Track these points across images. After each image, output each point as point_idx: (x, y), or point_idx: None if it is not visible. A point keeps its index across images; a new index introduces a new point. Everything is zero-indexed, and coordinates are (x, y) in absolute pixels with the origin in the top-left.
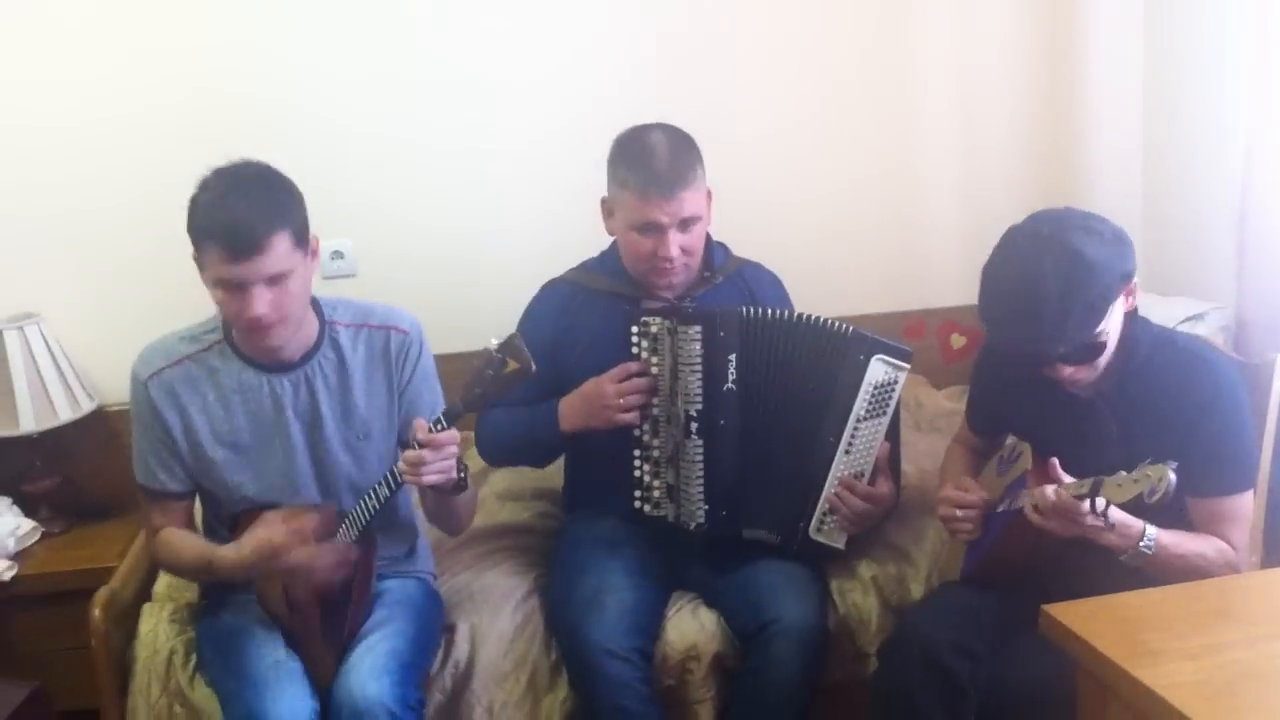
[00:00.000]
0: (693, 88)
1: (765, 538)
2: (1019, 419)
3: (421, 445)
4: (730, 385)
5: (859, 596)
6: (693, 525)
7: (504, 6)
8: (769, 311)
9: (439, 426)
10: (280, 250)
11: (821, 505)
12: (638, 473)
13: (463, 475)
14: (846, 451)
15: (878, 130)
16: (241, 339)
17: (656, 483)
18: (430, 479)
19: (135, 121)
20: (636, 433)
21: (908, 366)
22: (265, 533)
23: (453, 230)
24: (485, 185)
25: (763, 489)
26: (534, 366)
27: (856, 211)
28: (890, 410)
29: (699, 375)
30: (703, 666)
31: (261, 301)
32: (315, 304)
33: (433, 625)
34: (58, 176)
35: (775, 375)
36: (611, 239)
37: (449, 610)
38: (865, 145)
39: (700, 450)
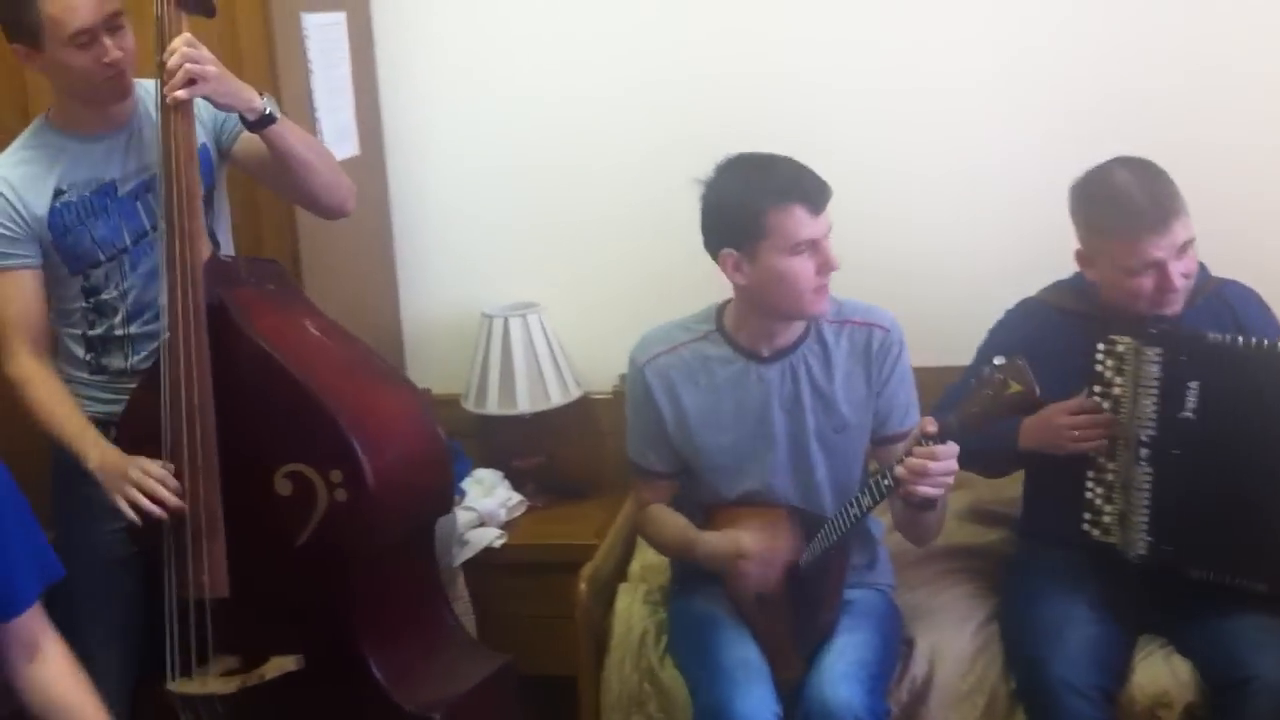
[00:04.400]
0: (1157, 92)
1: (1259, 590)
2: None
3: (930, 443)
4: (1188, 414)
5: None
6: (1132, 555)
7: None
8: (1257, 341)
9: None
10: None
11: None
12: (1089, 494)
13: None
14: None
15: None
16: (791, 309)
17: (1108, 508)
18: (927, 491)
19: (634, 122)
20: (1092, 454)
21: None
22: (741, 530)
23: (925, 238)
24: (959, 197)
25: (1228, 531)
26: (1038, 391)
27: None
28: None
29: (1154, 399)
30: (1174, 715)
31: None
32: None
33: (894, 638)
34: (565, 178)
35: (1260, 414)
36: None
37: (907, 624)
38: None
39: (1149, 478)
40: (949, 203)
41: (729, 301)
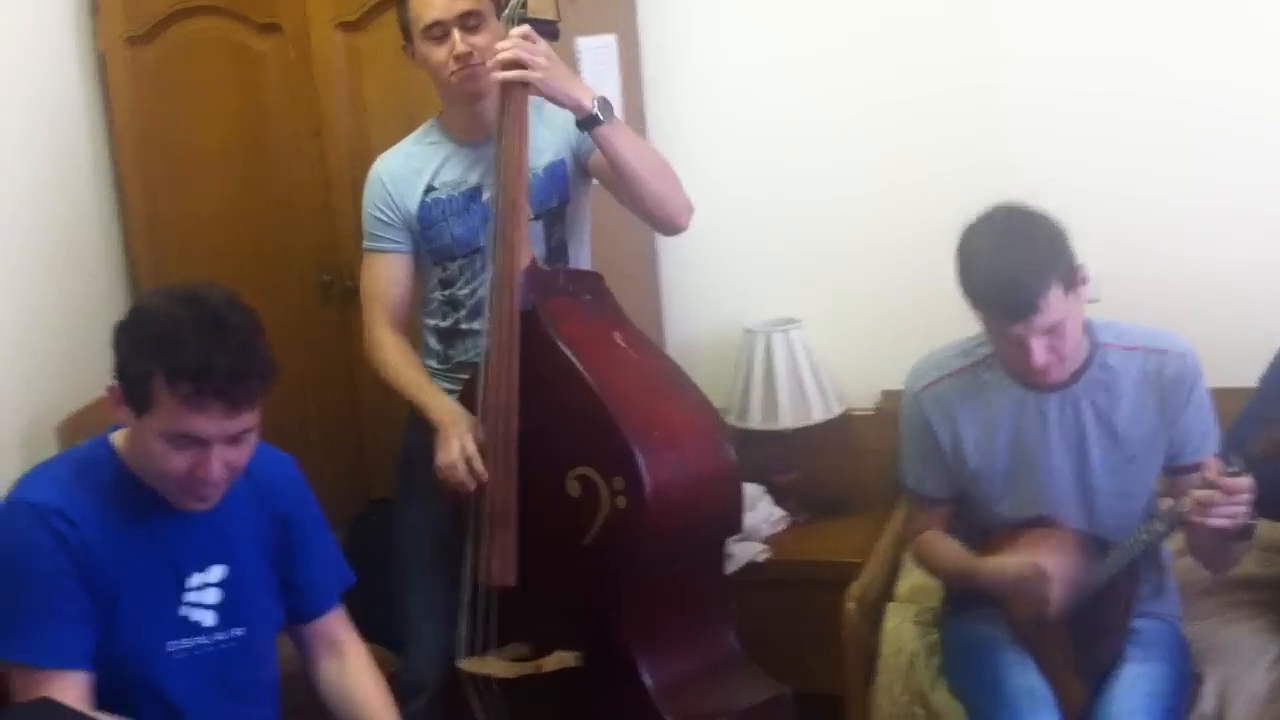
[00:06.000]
0: None
1: None
2: None
3: (1211, 485)
4: None
5: None
6: None
7: None
8: None
9: (1230, 468)
10: (1054, 303)
11: None
12: None
13: (1249, 523)
14: None
15: None
16: (1017, 372)
17: None
18: (1218, 523)
19: (901, 142)
20: None
21: None
22: (1029, 554)
23: (1195, 259)
24: (1245, 213)
25: None
26: None
27: None
28: None
29: None
30: None
31: (1042, 350)
32: (1086, 324)
33: (1185, 671)
34: (828, 195)
35: None
36: None
37: (1194, 658)
38: None
39: None
40: (1234, 219)
41: None
